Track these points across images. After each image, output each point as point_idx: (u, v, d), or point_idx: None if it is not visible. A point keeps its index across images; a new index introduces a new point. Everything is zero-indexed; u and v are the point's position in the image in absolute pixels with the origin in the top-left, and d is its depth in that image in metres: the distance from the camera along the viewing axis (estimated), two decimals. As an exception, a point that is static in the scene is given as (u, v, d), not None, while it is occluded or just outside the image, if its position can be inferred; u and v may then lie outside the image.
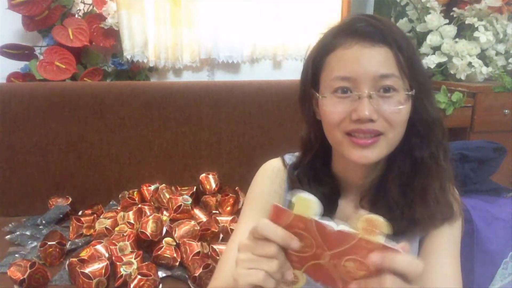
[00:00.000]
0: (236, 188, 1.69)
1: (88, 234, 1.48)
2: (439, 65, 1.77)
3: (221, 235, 1.44)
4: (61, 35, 1.73)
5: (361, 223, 0.44)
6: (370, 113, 0.61)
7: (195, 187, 1.67)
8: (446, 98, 1.61)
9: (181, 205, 1.51)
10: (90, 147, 1.69)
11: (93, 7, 1.82)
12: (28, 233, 1.49)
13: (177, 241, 1.35)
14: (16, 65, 1.77)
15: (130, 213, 1.47)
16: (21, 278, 1.16)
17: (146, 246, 1.35)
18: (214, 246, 1.32)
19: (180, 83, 1.88)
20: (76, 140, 1.67)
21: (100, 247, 1.30)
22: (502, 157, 1.16)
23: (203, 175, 1.71)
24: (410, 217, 0.68)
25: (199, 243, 1.32)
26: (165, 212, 1.54)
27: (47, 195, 1.65)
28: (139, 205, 1.52)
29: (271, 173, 0.79)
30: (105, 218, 1.49)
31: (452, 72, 1.75)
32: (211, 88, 1.76)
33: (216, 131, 1.75)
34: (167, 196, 1.60)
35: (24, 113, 1.63)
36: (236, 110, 1.75)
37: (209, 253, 1.32)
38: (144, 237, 1.34)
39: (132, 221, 1.45)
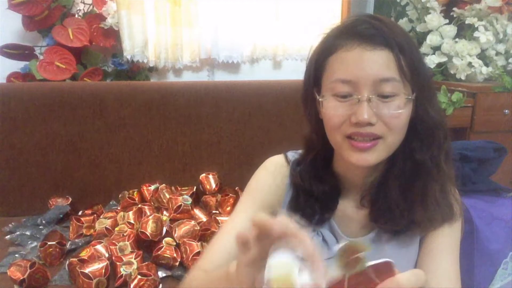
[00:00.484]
0: (236, 188, 1.69)
1: (88, 234, 1.48)
2: (439, 65, 1.77)
3: (221, 235, 1.44)
4: (61, 35, 1.73)
5: (341, 259, 0.41)
6: (369, 117, 0.61)
7: (195, 187, 1.66)
8: (446, 98, 1.61)
9: (181, 205, 1.51)
10: (90, 147, 1.69)
11: (93, 7, 1.82)
12: (28, 233, 1.49)
13: (177, 241, 1.35)
14: (16, 65, 1.77)
15: (130, 213, 1.47)
16: (21, 278, 1.16)
17: (146, 246, 1.35)
18: (214, 246, 1.32)
19: (180, 83, 1.88)
20: (76, 140, 1.67)
21: (100, 247, 1.30)
22: (502, 157, 1.16)
23: (203, 175, 1.71)
24: (410, 218, 0.68)
25: (199, 243, 1.32)
26: (165, 212, 1.54)
27: (47, 195, 1.65)
28: (139, 205, 1.52)
29: (274, 169, 0.79)
30: (105, 218, 1.49)
31: (452, 72, 1.75)
32: (211, 88, 1.76)
33: (216, 131, 1.75)
34: (167, 196, 1.60)
35: (24, 113, 1.63)
36: (236, 110, 1.75)
37: (209, 253, 1.32)
38: (144, 237, 1.34)
39: (132, 221, 1.45)
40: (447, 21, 1.77)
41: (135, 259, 1.25)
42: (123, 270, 1.21)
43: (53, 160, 1.67)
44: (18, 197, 1.66)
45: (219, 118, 1.74)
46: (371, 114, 0.61)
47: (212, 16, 1.90)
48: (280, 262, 0.41)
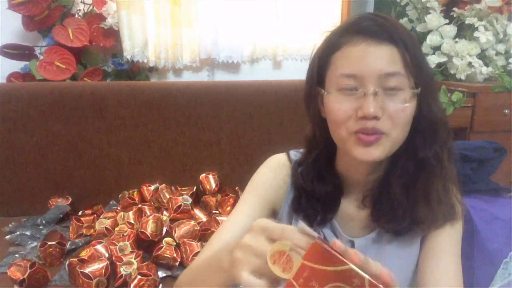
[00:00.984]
0: (236, 188, 1.69)
1: (88, 234, 1.48)
2: (439, 65, 1.76)
3: (221, 235, 1.44)
4: (61, 35, 1.73)
5: (275, 268, 0.43)
6: (375, 110, 0.61)
7: (195, 187, 1.67)
8: (446, 98, 1.61)
9: (181, 205, 1.51)
10: (90, 147, 1.69)
11: (93, 7, 1.82)
12: (28, 233, 1.49)
13: (177, 241, 1.35)
14: (16, 65, 1.77)
15: (130, 213, 1.47)
16: (21, 278, 1.16)
17: (146, 246, 1.35)
18: (214, 246, 1.32)
19: (180, 83, 1.88)
20: (76, 140, 1.68)
21: (100, 247, 1.30)
22: (502, 157, 1.16)
23: (203, 175, 1.71)
24: (412, 217, 0.68)
25: (199, 243, 1.33)
26: (165, 212, 1.54)
27: (47, 195, 1.65)
28: (139, 205, 1.52)
29: (276, 167, 0.79)
30: (105, 218, 1.49)
31: (452, 72, 1.75)
32: (211, 88, 1.76)
33: (216, 131, 1.75)
34: (167, 196, 1.60)
35: (24, 113, 1.63)
36: (236, 110, 1.75)
37: (209, 253, 1.32)
38: (144, 237, 1.34)
39: (132, 221, 1.45)
40: (447, 21, 1.77)
41: (135, 259, 1.25)
42: (123, 270, 1.21)
43: (53, 160, 1.67)
44: (18, 197, 1.66)
45: (219, 118, 1.74)
46: (377, 108, 0.61)
47: (212, 16, 1.90)
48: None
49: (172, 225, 1.42)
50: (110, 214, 1.53)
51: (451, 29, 1.74)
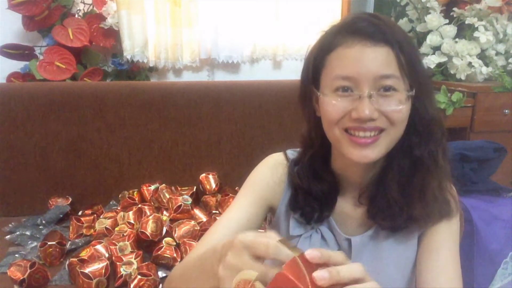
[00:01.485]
0: (236, 188, 1.69)
1: (88, 234, 1.48)
2: (439, 65, 1.77)
3: (221, 235, 1.44)
4: (61, 35, 1.73)
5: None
6: (370, 113, 0.61)
7: (195, 187, 1.67)
8: (446, 98, 1.61)
9: (181, 205, 1.51)
10: (90, 147, 1.69)
11: (93, 7, 1.82)
12: (28, 233, 1.49)
13: (177, 241, 1.35)
14: (16, 65, 1.77)
15: (130, 213, 1.47)
16: (21, 278, 1.16)
17: (146, 246, 1.35)
18: (214, 246, 1.32)
19: (180, 83, 1.88)
20: (76, 140, 1.67)
21: (100, 247, 1.30)
22: (502, 157, 1.16)
23: (203, 175, 1.71)
24: (408, 214, 0.69)
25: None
26: (165, 212, 1.54)
27: (47, 195, 1.65)
28: (139, 205, 1.52)
29: (273, 166, 0.79)
30: (105, 218, 1.49)
31: (452, 72, 1.75)
32: (211, 88, 1.76)
33: (216, 131, 1.75)
34: (167, 196, 1.60)
35: (24, 113, 1.63)
36: (236, 110, 1.75)
37: (209, 253, 1.32)
38: (144, 237, 1.34)
39: (132, 221, 1.45)
40: (447, 21, 1.77)
41: (135, 259, 1.25)
42: (123, 270, 1.21)
43: (53, 160, 1.67)
44: (18, 197, 1.66)
45: (219, 118, 1.74)
46: (372, 110, 0.62)
47: (212, 16, 1.90)
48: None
49: (172, 225, 1.42)
50: (110, 214, 1.53)
51: (451, 29, 1.74)
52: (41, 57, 1.77)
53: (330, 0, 1.98)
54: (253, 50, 2.01)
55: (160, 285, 1.22)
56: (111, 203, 1.70)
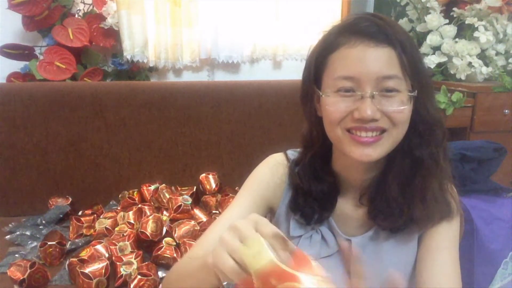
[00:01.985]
0: (236, 188, 1.69)
1: (88, 234, 1.48)
2: (439, 65, 1.77)
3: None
4: (61, 35, 1.73)
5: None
6: (372, 113, 0.61)
7: (195, 187, 1.67)
8: (446, 98, 1.61)
9: (181, 205, 1.51)
10: (90, 147, 1.69)
11: (93, 7, 1.82)
12: (28, 233, 1.49)
13: (177, 241, 1.35)
14: (16, 65, 1.77)
15: (130, 213, 1.47)
16: (21, 278, 1.16)
17: (146, 246, 1.35)
18: (214, 246, 1.32)
19: (180, 83, 1.88)
20: (76, 140, 1.67)
21: (100, 247, 1.30)
22: (502, 157, 1.16)
23: (203, 175, 1.71)
24: (408, 215, 0.69)
25: (199, 243, 1.32)
26: (165, 212, 1.54)
27: (47, 195, 1.65)
28: (139, 205, 1.52)
29: (273, 166, 0.79)
30: (105, 218, 1.49)
31: (452, 72, 1.75)
32: (211, 88, 1.76)
33: (216, 131, 1.75)
34: (167, 196, 1.60)
35: (24, 113, 1.63)
36: (236, 110, 1.75)
37: (209, 253, 1.32)
38: (144, 237, 1.34)
39: (132, 221, 1.45)
40: (447, 21, 1.77)
41: (135, 259, 1.25)
42: (123, 270, 1.21)
43: (53, 160, 1.67)
44: (18, 197, 1.66)
45: (219, 118, 1.74)
46: (374, 110, 0.62)
47: (212, 16, 1.90)
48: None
49: (172, 225, 1.42)
50: (110, 214, 1.53)
51: (451, 29, 1.74)
52: (41, 57, 1.77)
53: (330, 0, 1.98)
54: (253, 50, 2.01)
55: (160, 285, 1.22)
56: (111, 203, 1.70)
